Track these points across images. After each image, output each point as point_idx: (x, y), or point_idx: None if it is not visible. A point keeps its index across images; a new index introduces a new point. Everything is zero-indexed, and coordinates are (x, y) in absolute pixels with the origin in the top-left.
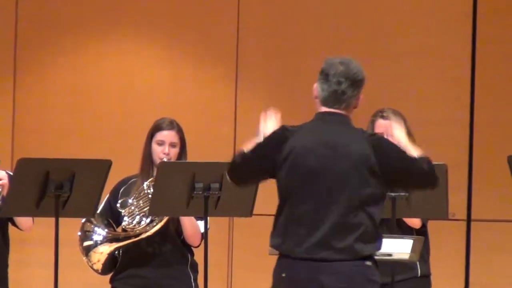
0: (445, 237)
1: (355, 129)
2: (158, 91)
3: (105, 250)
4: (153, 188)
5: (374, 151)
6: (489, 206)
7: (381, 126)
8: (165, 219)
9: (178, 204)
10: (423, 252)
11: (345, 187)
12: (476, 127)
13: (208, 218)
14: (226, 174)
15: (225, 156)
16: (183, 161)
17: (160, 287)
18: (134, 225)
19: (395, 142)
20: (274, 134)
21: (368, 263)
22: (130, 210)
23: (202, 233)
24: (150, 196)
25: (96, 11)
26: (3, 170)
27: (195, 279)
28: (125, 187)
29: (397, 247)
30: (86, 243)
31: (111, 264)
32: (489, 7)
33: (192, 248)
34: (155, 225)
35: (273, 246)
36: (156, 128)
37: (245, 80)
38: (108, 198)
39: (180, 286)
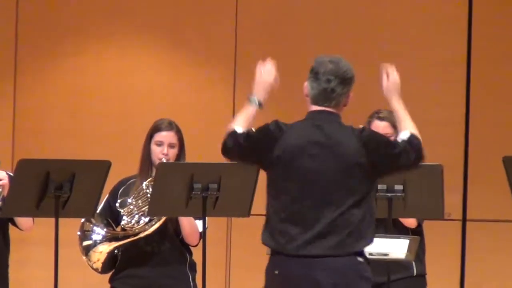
0: (440, 237)
1: (346, 127)
2: (157, 92)
3: (104, 249)
4: (152, 189)
5: (365, 148)
6: (484, 206)
7: (377, 127)
8: (164, 218)
9: (177, 205)
10: (418, 251)
11: (337, 186)
12: (471, 128)
13: (207, 218)
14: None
15: (223, 157)
16: (182, 162)
17: (159, 286)
18: (133, 224)
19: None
20: (268, 130)
21: (360, 259)
22: (129, 210)
23: (200, 232)
24: (149, 195)
25: (95, 14)
26: (3, 170)
27: (194, 279)
28: (124, 187)
29: (393, 247)
30: (85, 243)
31: (111, 263)
32: (484, 9)
33: (191, 247)
34: (153, 224)
35: (265, 243)
36: (155, 129)
37: (243, 82)
38: (107, 198)
39: (178, 285)
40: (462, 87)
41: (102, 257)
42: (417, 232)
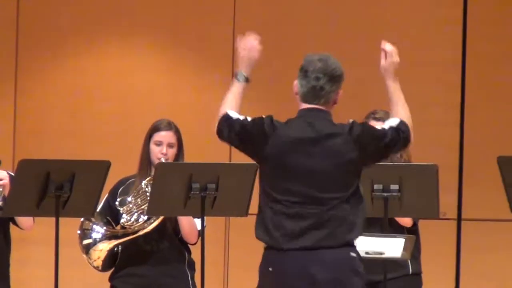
0: (436, 236)
1: (336, 124)
2: (157, 93)
3: (104, 247)
4: (151, 188)
5: (356, 144)
6: (479, 205)
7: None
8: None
9: (175, 204)
10: (414, 250)
11: (329, 181)
12: (466, 129)
13: (205, 217)
14: (215, 132)
15: (221, 157)
16: (181, 162)
17: (158, 285)
18: (132, 222)
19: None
20: (262, 126)
21: (353, 254)
22: (129, 208)
23: (199, 231)
24: (148, 194)
25: (95, 15)
26: (4, 170)
27: (192, 277)
28: (124, 187)
29: (389, 246)
30: (85, 241)
31: (111, 260)
32: (479, 10)
33: (189, 246)
34: (152, 222)
35: (259, 237)
36: (154, 129)
37: None
38: (107, 198)
39: (177, 284)
40: (457, 88)
41: (102, 255)
42: (413, 231)
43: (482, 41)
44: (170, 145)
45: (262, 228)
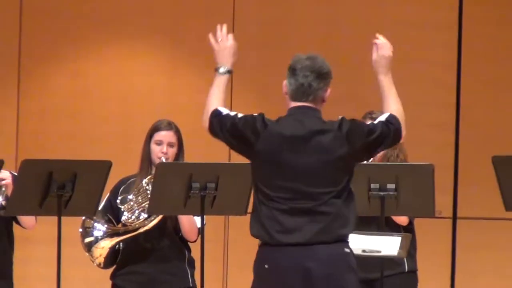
0: (432, 234)
1: (325, 122)
2: (157, 94)
3: (106, 244)
4: (152, 188)
5: (346, 140)
6: (474, 204)
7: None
8: None
9: (175, 203)
10: (410, 248)
11: (320, 178)
12: (461, 129)
13: (204, 216)
14: (207, 128)
15: (221, 157)
16: (181, 162)
17: (158, 282)
18: (133, 220)
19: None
20: (253, 124)
21: (347, 250)
22: (130, 206)
23: (198, 228)
24: (148, 192)
25: (95, 18)
26: (7, 171)
27: (192, 275)
28: (125, 186)
29: (386, 244)
30: (87, 239)
31: (113, 258)
32: (474, 11)
33: (189, 244)
34: (153, 219)
35: (254, 235)
36: (155, 128)
37: (240, 84)
38: (108, 197)
39: (178, 281)
40: (452, 91)
41: (104, 252)
42: (409, 229)
43: (478, 42)
44: (170, 145)
45: (258, 225)
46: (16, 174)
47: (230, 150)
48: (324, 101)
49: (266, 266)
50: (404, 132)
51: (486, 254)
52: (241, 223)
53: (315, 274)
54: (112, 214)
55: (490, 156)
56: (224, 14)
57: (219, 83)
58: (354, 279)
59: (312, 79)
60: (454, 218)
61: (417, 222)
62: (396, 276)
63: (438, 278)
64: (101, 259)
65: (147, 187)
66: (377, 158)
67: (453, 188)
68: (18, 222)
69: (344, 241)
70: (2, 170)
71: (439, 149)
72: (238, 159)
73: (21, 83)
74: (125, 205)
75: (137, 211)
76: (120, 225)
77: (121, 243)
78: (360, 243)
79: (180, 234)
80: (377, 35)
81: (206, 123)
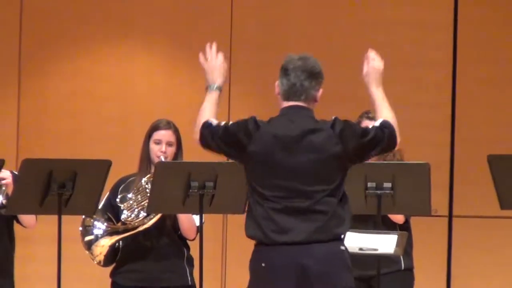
0: (428, 233)
1: (318, 121)
2: (156, 94)
3: (106, 242)
4: (151, 187)
5: (339, 139)
6: (469, 203)
7: (367, 125)
8: None
9: (174, 202)
10: (406, 246)
11: (314, 176)
12: (457, 128)
13: (203, 214)
14: (197, 140)
15: (219, 157)
16: (180, 161)
17: (158, 280)
18: (133, 218)
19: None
20: (245, 126)
21: (343, 247)
22: (129, 204)
23: (197, 227)
24: (148, 190)
25: (95, 19)
26: (8, 170)
27: (191, 273)
28: (124, 185)
29: (382, 242)
30: (87, 238)
31: (112, 256)
32: (469, 12)
33: (188, 243)
34: (152, 218)
35: (249, 236)
36: (154, 128)
37: (238, 85)
38: (108, 196)
39: (177, 279)
40: (448, 91)
41: (104, 250)
42: (405, 228)
43: (473, 43)
44: (169, 144)
45: (253, 225)
46: (16, 173)
47: None
48: (316, 101)
49: (262, 264)
50: (399, 139)
51: (481, 251)
52: (239, 222)
53: (311, 271)
54: (112, 212)
55: (486, 155)
56: (222, 15)
57: (210, 99)
58: (350, 277)
59: (304, 78)
60: (450, 216)
61: (414, 220)
62: (393, 274)
63: (434, 276)
64: (101, 257)
65: (146, 186)
66: (374, 157)
67: (449, 187)
68: (18, 221)
69: (339, 239)
70: (2, 170)
71: (435, 148)
72: None
73: (21, 83)
74: (125, 204)
75: (136, 210)
76: (119, 224)
77: (120, 241)
78: (357, 241)
79: (179, 233)
80: (370, 50)
81: (197, 134)
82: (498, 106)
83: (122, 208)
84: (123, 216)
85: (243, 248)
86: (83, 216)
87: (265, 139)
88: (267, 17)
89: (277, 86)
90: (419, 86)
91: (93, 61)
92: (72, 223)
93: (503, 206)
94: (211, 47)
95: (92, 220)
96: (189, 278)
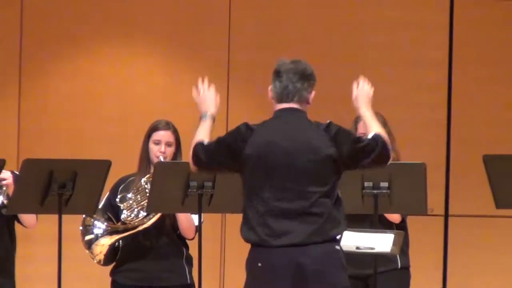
0: (424, 232)
1: (312, 122)
2: (155, 95)
3: (106, 242)
4: (150, 187)
5: (333, 142)
6: (465, 202)
7: (363, 132)
8: None
9: (174, 202)
10: (403, 245)
11: (309, 178)
12: (453, 128)
13: (202, 214)
14: (191, 163)
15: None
16: (179, 161)
17: (157, 279)
18: (132, 218)
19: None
20: (238, 131)
21: (338, 247)
22: (129, 204)
23: (196, 226)
24: (147, 190)
25: (95, 20)
26: (9, 170)
27: (190, 272)
28: (124, 184)
29: (379, 241)
30: (87, 237)
31: (112, 255)
32: (465, 13)
33: (187, 242)
34: (151, 217)
35: (245, 239)
36: (153, 128)
37: (236, 86)
38: (108, 196)
39: (176, 278)
40: (444, 91)
41: (104, 249)
42: (401, 227)
43: (469, 43)
44: (168, 144)
45: (248, 229)
46: (17, 173)
47: None
48: (308, 103)
49: (259, 264)
50: (391, 154)
51: (477, 250)
52: (238, 221)
53: (307, 271)
54: (112, 212)
55: (481, 155)
56: (221, 15)
57: (204, 124)
58: (345, 276)
59: (296, 80)
60: (446, 215)
61: (410, 219)
62: (389, 273)
63: (431, 275)
64: (101, 256)
65: (146, 186)
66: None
67: (445, 186)
68: (19, 221)
69: (335, 240)
70: (3, 170)
71: (431, 148)
72: None
73: (22, 83)
74: (125, 204)
75: (136, 210)
76: (119, 223)
77: (120, 241)
78: (354, 240)
79: (178, 232)
80: (360, 77)
81: (191, 158)
82: (494, 106)
83: (122, 207)
84: (123, 216)
85: (241, 247)
86: (84, 216)
87: (259, 142)
88: (266, 17)
89: (270, 90)
90: (416, 86)
91: (93, 61)
92: (73, 222)
93: (498, 205)
94: (203, 81)
95: (92, 220)
96: (188, 277)
